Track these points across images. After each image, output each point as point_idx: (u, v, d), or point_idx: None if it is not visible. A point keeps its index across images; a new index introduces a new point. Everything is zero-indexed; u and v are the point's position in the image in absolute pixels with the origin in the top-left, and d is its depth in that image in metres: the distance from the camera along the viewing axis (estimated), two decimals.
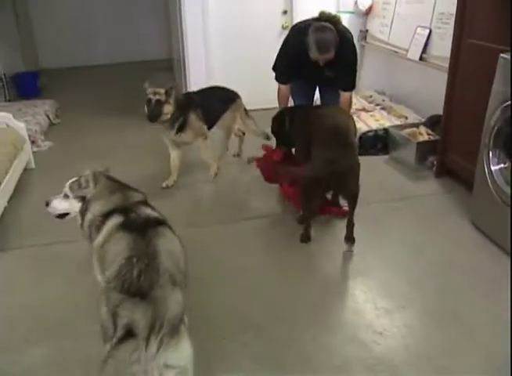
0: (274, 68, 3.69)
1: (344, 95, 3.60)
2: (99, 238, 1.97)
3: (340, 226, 3.30)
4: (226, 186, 4.01)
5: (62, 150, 4.87)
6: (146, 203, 2.12)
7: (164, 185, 3.95)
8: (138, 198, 2.12)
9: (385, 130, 4.41)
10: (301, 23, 3.55)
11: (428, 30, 4.47)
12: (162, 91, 3.68)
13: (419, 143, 4.05)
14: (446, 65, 3.82)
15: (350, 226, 3.02)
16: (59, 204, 2.27)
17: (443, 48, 4.13)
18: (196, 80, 5.47)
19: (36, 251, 3.16)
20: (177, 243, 1.95)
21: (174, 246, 1.91)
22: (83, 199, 2.16)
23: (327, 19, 3.33)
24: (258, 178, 3.81)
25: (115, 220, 1.94)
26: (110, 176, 2.24)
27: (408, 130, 4.25)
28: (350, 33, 3.51)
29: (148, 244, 1.76)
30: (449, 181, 3.89)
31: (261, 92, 4.56)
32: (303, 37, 3.31)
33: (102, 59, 8.96)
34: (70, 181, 2.25)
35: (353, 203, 2.98)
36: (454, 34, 3.64)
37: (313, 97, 3.93)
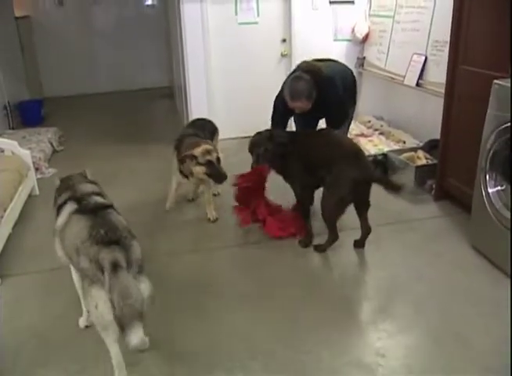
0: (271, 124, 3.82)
1: None
2: (59, 221, 2.38)
3: (342, 249, 3.35)
4: (228, 212, 4.02)
5: None
6: (97, 193, 2.52)
7: (167, 207, 4.01)
8: (89, 190, 2.52)
9: (384, 155, 4.48)
10: (288, 77, 3.71)
11: (424, 57, 4.58)
12: (211, 146, 3.60)
13: (417, 167, 4.12)
14: (442, 90, 3.90)
15: (367, 233, 3.35)
16: None
17: (439, 74, 4.23)
18: (197, 106, 5.58)
19: (41, 277, 3.19)
20: (122, 220, 2.34)
21: (121, 220, 2.32)
22: None
23: (308, 70, 3.51)
24: None
25: (69, 207, 2.36)
26: (78, 177, 2.69)
27: (406, 154, 4.32)
28: (338, 77, 3.65)
29: (101, 218, 2.22)
30: (448, 204, 3.94)
31: (262, 118, 4.61)
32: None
33: (105, 87, 9.10)
34: None
35: (368, 208, 3.29)
36: (449, 61, 3.73)
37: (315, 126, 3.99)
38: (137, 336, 1.88)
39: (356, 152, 3.21)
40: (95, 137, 6.28)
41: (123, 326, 1.90)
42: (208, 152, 3.51)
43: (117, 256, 1.99)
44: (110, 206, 2.40)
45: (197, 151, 3.51)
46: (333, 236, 3.30)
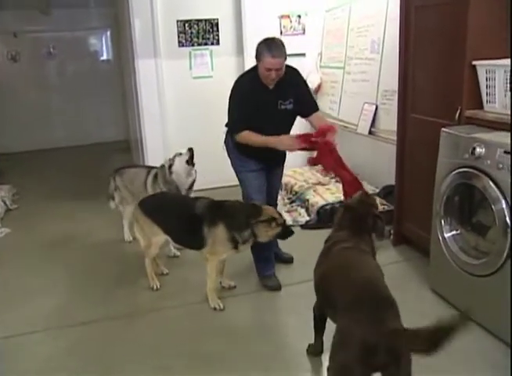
0: (229, 125, 3.53)
1: (319, 116, 3.55)
2: None
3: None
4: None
5: (19, 237, 4.76)
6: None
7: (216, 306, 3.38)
8: None
9: (342, 203, 4.52)
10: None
11: (375, 106, 4.73)
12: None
13: None
14: (394, 138, 4.02)
15: None
16: None
17: (390, 122, 4.37)
18: (154, 159, 5.54)
19: None
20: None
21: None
22: None
23: None
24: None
25: None
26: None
27: None
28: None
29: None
30: (407, 249, 3.99)
31: (218, 169, 4.66)
32: (252, 72, 3.39)
33: (61, 142, 8.98)
34: None
35: None
36: (398, 110, 3.87)
37: (264, 189, 3.62)
38: None
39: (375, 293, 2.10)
40: (52, 194, 6.13)
41: None
42: (278, 213, 3.35)
43: None
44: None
45: (274, 213, 3.27)
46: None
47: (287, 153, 3.63)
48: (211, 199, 3.45)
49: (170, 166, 4.02)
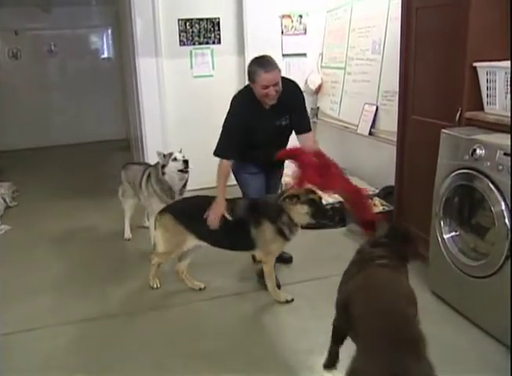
0: (217, 151, 3.46)
1: (309, 137, 3.51)
2: None
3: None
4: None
5: (19, 234, 4.77)
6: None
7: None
8: None
9: (341, 203, 4.53)
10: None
11: (375, 107, 4.74)
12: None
13: None
14: (394, 138, 4.03)
15: None
16: None
17: (390, 123, 4.37)
18: (154, 158, 5.52)
19: None
20: None
21: None
22: None
23: None
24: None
25: None
26: None
27: None
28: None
29: None
30: None
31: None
32: (247, 89, 3.36)
33: (61, 139, 8.99)
34: None
35: None
36: (399, 111, 3.87)
37: (263, 189, 3.66)
38: None
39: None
40: (51, 191, 6.14)
41: None
42: (311, 191, 3.20)
43: None
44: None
45: (297, 191, 3.19)
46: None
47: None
48: (248, 199, 3.45)
49: (163, 166, 4.00)
